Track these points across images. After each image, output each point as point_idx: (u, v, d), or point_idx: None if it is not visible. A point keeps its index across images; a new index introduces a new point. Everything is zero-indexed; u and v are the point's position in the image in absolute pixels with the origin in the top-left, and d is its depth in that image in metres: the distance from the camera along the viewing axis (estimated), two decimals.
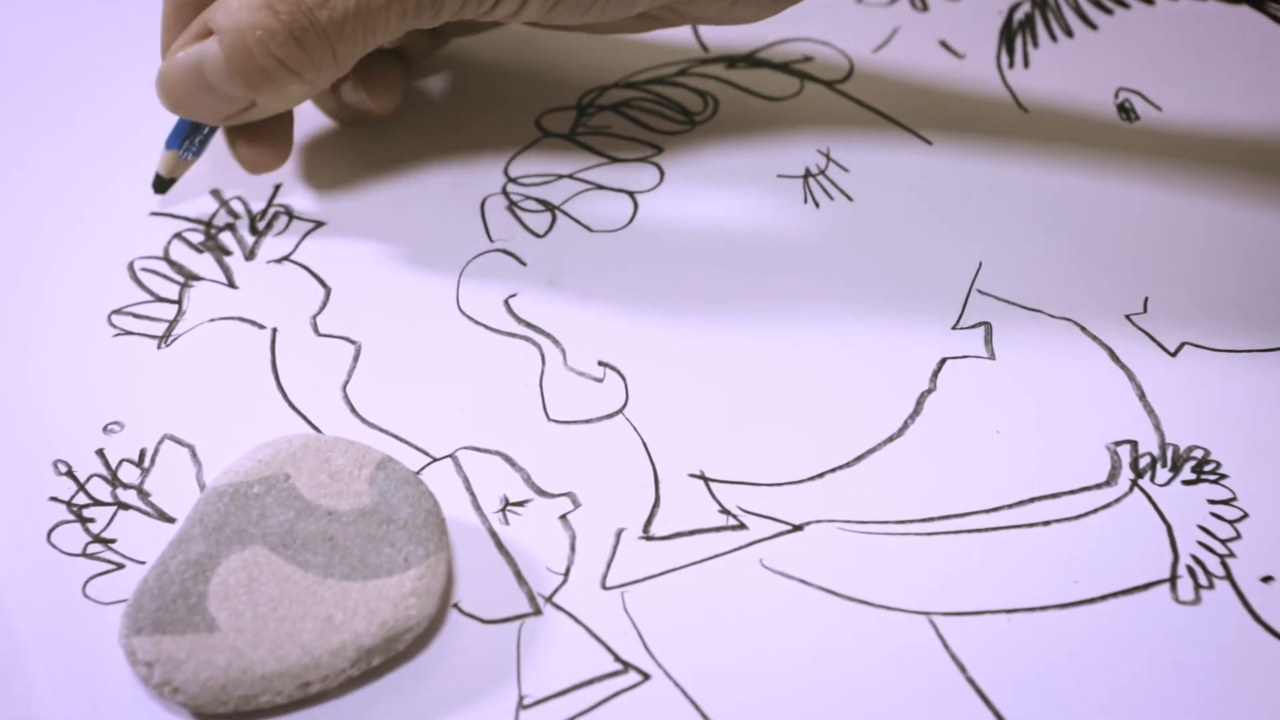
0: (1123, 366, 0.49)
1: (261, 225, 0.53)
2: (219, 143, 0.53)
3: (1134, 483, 0.46)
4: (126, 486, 0.46)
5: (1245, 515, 0.45)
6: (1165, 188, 0.54)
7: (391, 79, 0.53)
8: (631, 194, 0.54)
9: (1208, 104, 0.56)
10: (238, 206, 0.53)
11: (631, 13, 0.48)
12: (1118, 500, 0.45)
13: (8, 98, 0.57)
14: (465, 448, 0.47)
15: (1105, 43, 0.59)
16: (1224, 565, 0.44)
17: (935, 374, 0.48)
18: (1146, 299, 0.50)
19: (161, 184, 0.52)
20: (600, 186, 0.54)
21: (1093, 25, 0.59)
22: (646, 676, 0.42)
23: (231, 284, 0.51)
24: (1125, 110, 0.56)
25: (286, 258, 0.52)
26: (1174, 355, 0.49)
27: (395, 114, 0.54)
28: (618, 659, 0.42)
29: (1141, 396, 0.48)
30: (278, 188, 0.54)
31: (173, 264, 0.51)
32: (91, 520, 0.45)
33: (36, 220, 0.53)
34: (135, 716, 0.41)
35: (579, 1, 0.47)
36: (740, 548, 0.45)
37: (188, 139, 0.51)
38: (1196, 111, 0.56)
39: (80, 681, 0.41)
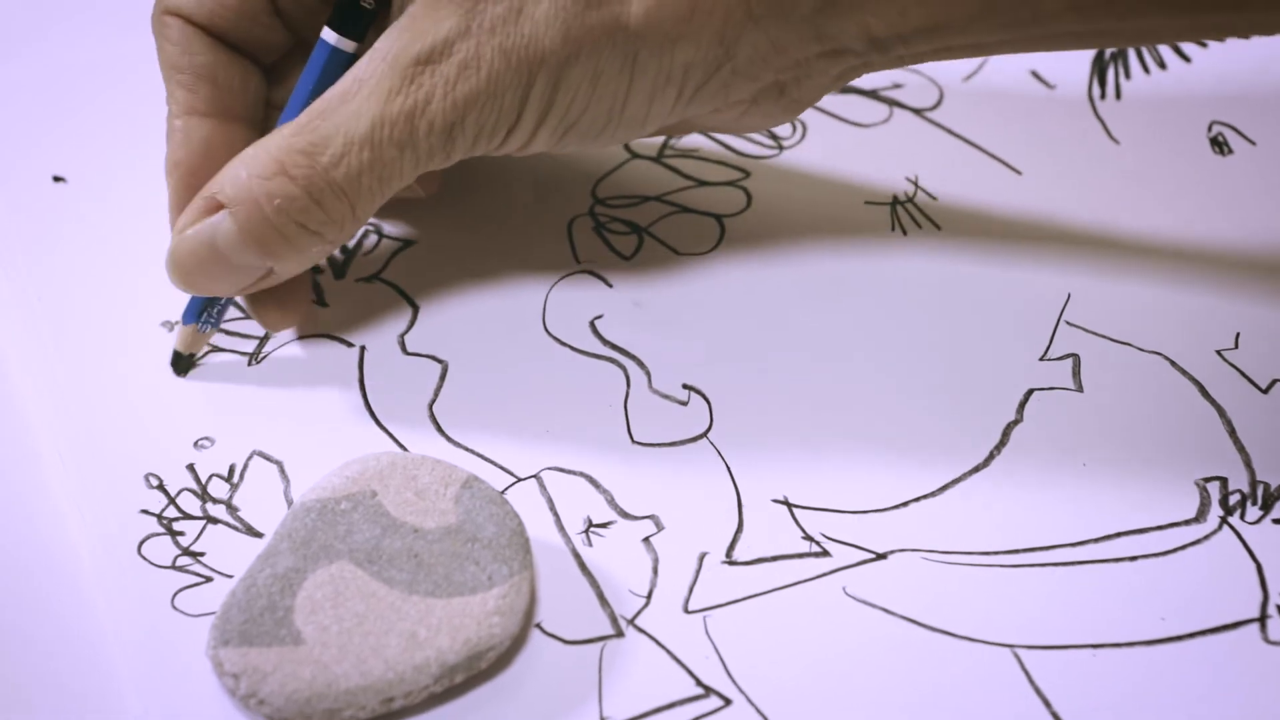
0: (1213, 402, 0.48)
1: (351, 244, 0.53)
2: None
3: (1223, 520, 0.45)
4: (216, 501, 0.46)
5: None
6: (1258, 221, 0.53)
7: None
8: (718, 217, 0.54)
9: None
10: None
11: (639, 137, 0.48)
12: (1206, 537, 0.45)
13: (109, 118, 0.57)
14: (549, 468, 0.47)
15: (1198, 75, 0.58)
16: None
17: (1022, 405, 0.48)
18: (1238, 334, 0.50)
19: (180, 363, 0.49)
20: (687, 209, 0.54)
21: (1186, 57, 0.59)
22: (728, 701, 0.42)
23: (321, 302, 0.52)
24: (1218, 143, 0.56)
25: (375, 276, 0.52)
26: (1266, 392, 0.48)
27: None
28: (699, 683, 0.42)
29: (1232, 433, 0.47)
30: None
31: None
32: (181, 533, 0.45)
33: (132, 238, 0.53)
34: None
35: (585, 132, 0.47)
36: (823, 575, 0.44)
37: (205, 311, 0.48)
38: None
39: (167, 692, 0.42)
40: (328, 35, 0.46)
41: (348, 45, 0.46)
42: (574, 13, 0.44)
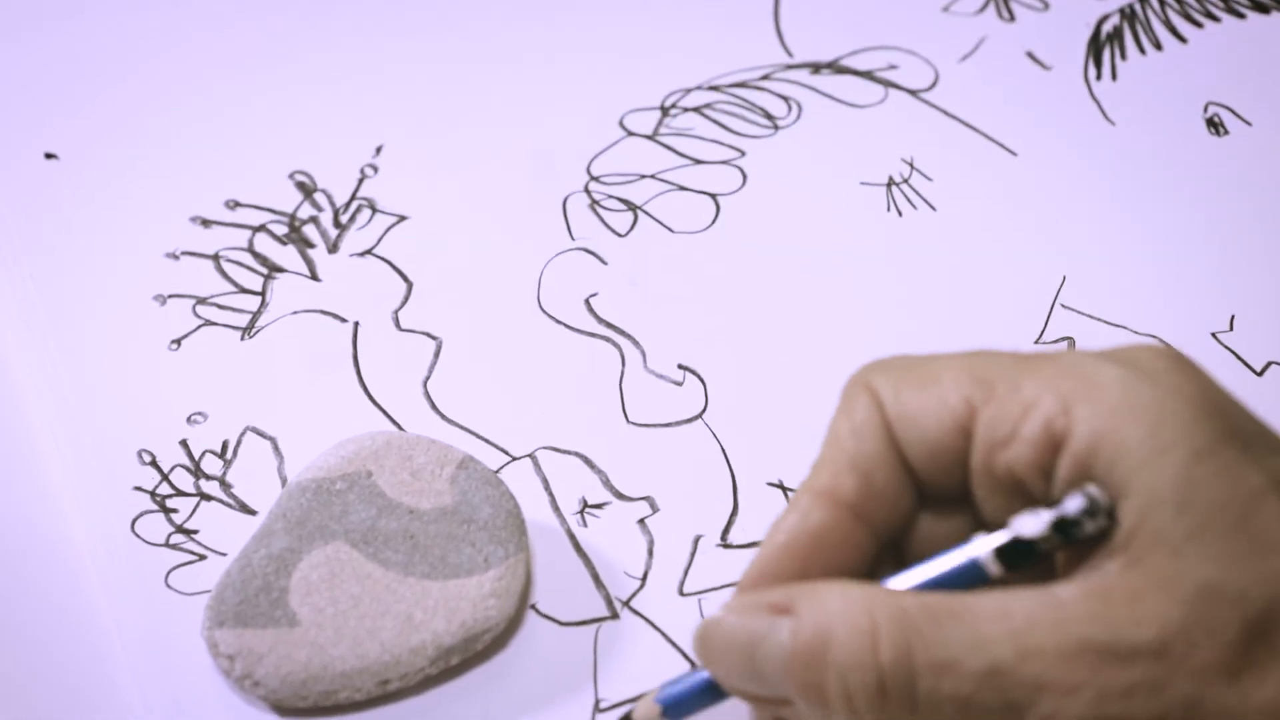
0: None
1: (345, 219, 0.53)
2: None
3: None
4: (209, 478, 0.46)
5: None
6: (1254, 203, 0.53)
7: None
8: (714, 196, 0.54)
9: None
10: (321, 199, 0.53)
11: None
12: None
13: (101, 95, 0.57)
14: (544, 448, 0.47)
15: (1194, 56, 0.58)
16: None
17: None
18: (1233, 317, 0.50)
19: None
20: (682, 188, 0.54)
21: (1182, 38, 0.59)
22: None
23: (314, 277, 0.51)
24: (1214, 124, 0.56)
25: (369, 251, 0.52)
26: (1260, 375, 0.49)
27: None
28: (695, 666, 0.42)
29: None
30: (361, 181, 0.54)
31: (257, 256, 0.52)
32: (174, 510, 0.45)
33: (125, 214, 0.53)
34: (216, 708, 0.41)
35: None
36: None
37: (689, 709, 0.39)
38: None
39: (162, 672, 0.42)
40: (981, 551, 0.36)
41: (995, 570, 0.36)
42: None
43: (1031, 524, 0.35)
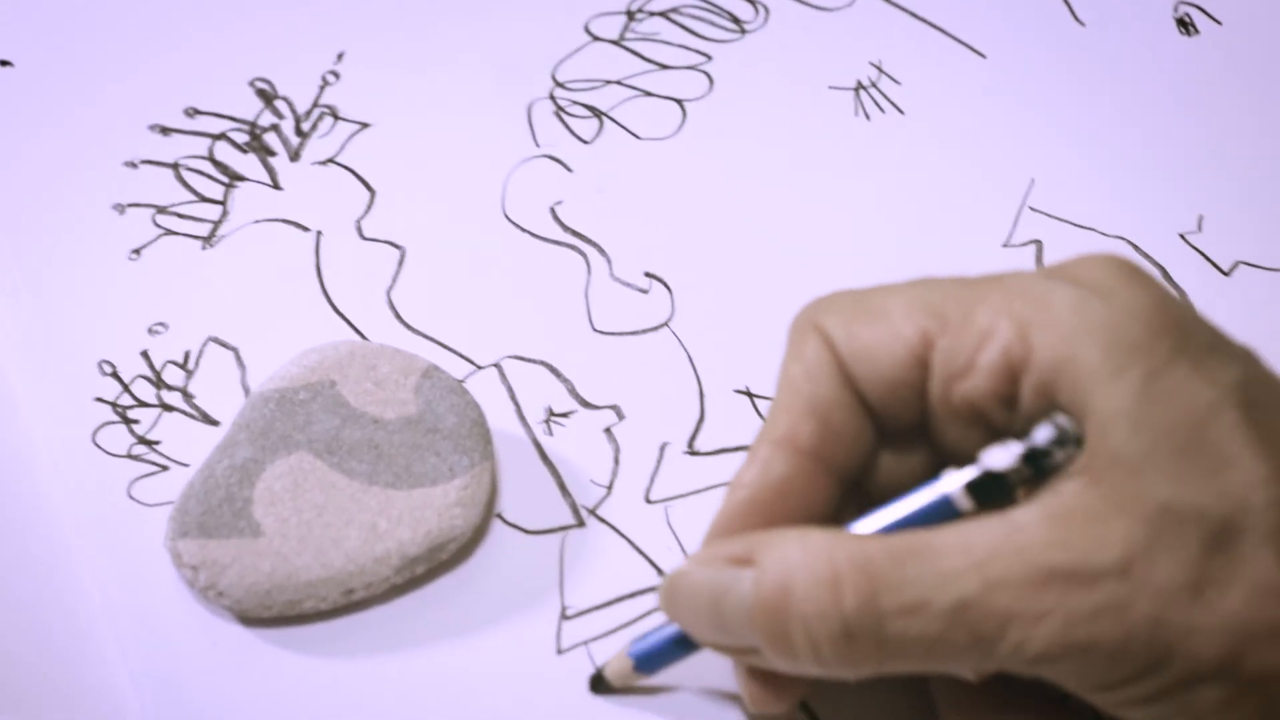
0: (1176, 286, 0.48)
1: (307, 126, 0.52)
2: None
3: None
4: (171, 388, 0.46)
5: None
6: (1223, 104, 0.53)
7: None
8: (680, 102, 0.53)
9: (1268, 19, 0.55)
10: (283, 107, 0.53)
11: None
12: None
13: (63, 9, 0.56)
14: (510, 356, 0.47)
15: None
16: None
17: None
18: (1201, 217, 0.50)
19: (599, 685, 0.41)
20: (649, 93, 0.53)
21: None
22: None
23: (276, 185, 0.51)
24: (1184, 24, 0.55)
25: (331, 160, 0.51)
26: (1228, 275, 0.48)
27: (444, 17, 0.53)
28: (661, 573, 0.42)
29: None
30: (323, 88, 0.53)
31: (217, 164, 0.51)
32: (136, 421, 0.45)
33: (81, 122, 0.52)
34: (180, 619, 0.41)
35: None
36: None
37: (661, 662, 0.40)
38: (1256, 26, 0.55)
39: (125, 583, 0.42)
40: (952, 488, 0.36)
41: (966, 505, 0.36)
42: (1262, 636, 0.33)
43: (1002, 457, 0.34)
